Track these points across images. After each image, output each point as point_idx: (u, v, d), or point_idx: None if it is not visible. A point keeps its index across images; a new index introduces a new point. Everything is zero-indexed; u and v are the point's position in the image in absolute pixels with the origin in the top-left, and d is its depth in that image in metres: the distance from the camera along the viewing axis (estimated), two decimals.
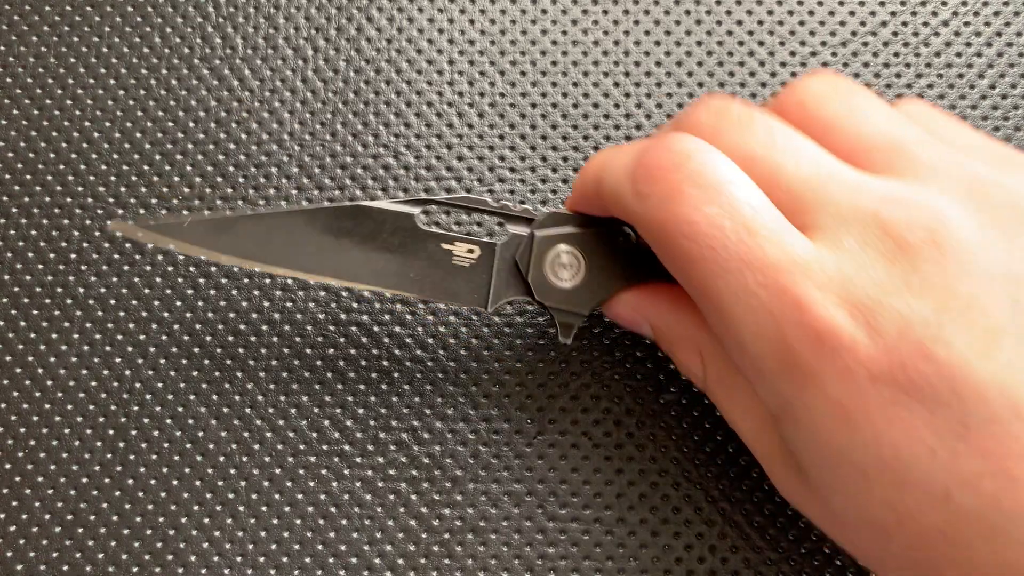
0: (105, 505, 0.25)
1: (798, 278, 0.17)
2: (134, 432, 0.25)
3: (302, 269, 0.23)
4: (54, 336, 0.26)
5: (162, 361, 0.26)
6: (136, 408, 0.25)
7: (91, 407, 0.25)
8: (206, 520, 0.25)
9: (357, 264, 0.23)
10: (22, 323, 0.26)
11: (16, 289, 0.26)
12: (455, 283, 0.23)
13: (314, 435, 0.25)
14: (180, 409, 0.25)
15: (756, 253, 0.17)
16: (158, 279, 0.26)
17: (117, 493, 0.25)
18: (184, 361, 0.26)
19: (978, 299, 0.16)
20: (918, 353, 0.16)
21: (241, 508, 0.25)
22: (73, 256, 0.27)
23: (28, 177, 0.27)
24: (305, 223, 0.23)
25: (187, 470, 0.25)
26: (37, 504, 0.25)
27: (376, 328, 0.26)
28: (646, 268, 0.22)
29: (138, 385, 0.26)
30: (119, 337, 0.26)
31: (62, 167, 0.27)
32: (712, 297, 0.18)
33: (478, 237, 0.24)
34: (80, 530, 0.25)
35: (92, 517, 0.25)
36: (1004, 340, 0.16)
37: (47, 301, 0.26)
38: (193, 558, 0.24)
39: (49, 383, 0.26)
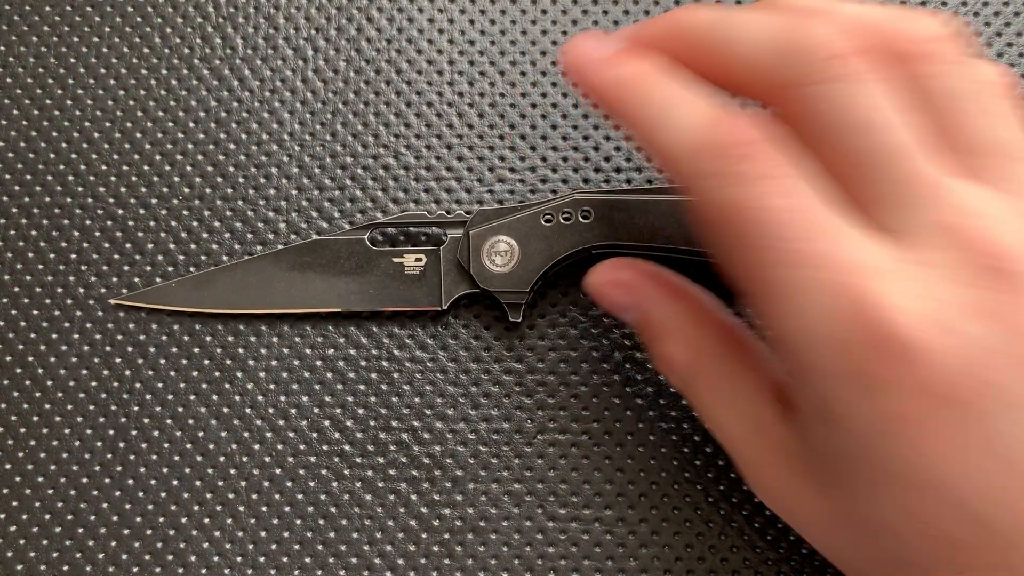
0: (105, 505, 0.25)
1: (875, 283, 0.16)
2: (134, 432, 0.25)
3: (277, 306, 0.26)
4: (54, 336, 0.26)
5: (162, 361, 0.26)
6: (136, 408, 0.25)
7: (91, 407, 0.25)
8: (206, 520, 0.25)
9: (323, 291, 0.26)
10: (22, 323, 0.26)
11: (16, 289, 0.26)
12: (411, 291, 0.25)
13: (314, 435, 0.25)
14: (180, 409, 0.25)
15: (831, 252, 0.16)
16: (158, 279, 0.26)
17: (117, 493, 0.25)
18: (184, 361, 0.26)
19: None
20: (981, 380, 0.16)
21: (241, 508, 0.25)
22: (73, 256, 0.27)
23: (28, 177, 0.27)
24: (272, 264, 0.26)
25: (187, 470, 0.25)
26: (37, 504, 0.25)
27: (376, 328, 0.26)
28: (571, 242, 0.24)
29: (138, 385, 0.26)
30: (119, 337, 0.26)
31: (62, 167, 0.27)
32: (771, 287, 0.17)
33: (423, 246, 0.26)
34: (80, 530, 0.25)
35: (92, 517, 0.25)
36: None
37: (47, 302, 0.26)
38: (193, 558, 0.24)
39: (49, 383, 0.26)
